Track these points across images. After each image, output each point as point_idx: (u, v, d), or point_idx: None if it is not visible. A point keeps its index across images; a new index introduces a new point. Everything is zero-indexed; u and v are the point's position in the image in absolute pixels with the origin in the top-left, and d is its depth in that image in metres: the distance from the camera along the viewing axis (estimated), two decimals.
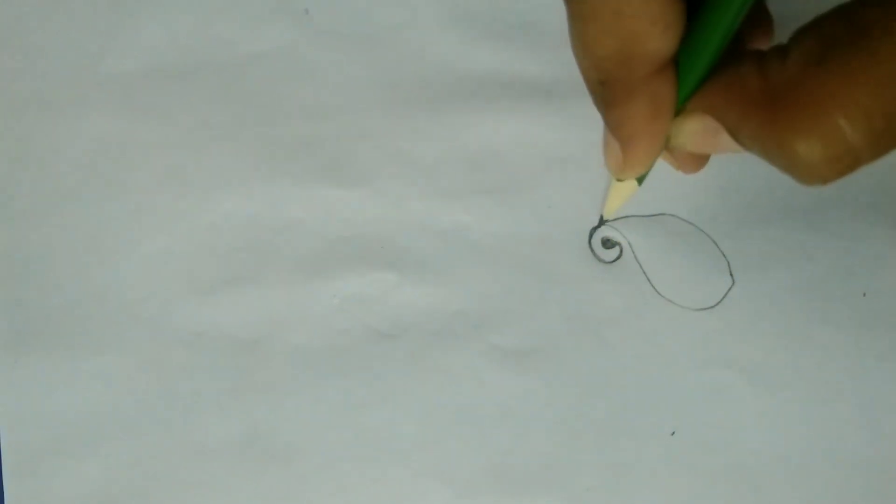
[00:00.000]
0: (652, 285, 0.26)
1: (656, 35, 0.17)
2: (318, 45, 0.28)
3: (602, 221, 0.26)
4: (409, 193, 0.27)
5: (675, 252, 0.26)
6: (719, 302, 0.26)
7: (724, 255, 0.26)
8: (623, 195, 0.24)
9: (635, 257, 0.26)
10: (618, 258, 0.27)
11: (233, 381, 0.27)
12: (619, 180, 0.23)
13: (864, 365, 0.26)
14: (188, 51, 0.28)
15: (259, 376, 0.27)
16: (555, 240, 0.27)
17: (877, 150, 0.16)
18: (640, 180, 0.23)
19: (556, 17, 0.27)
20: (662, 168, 0.26)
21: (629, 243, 0.27)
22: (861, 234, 0.26)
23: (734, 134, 0.18)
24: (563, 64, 0.27)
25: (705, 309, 0.26)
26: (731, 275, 0.26)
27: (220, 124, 0.28)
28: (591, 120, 0.27)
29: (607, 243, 0.27)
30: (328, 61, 0.28)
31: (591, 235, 0.27)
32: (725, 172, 0.26)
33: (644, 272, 0.26)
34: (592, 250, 0.27)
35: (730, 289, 0.26)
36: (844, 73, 0.16)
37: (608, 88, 0.19)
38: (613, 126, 0.20)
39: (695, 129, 0.20)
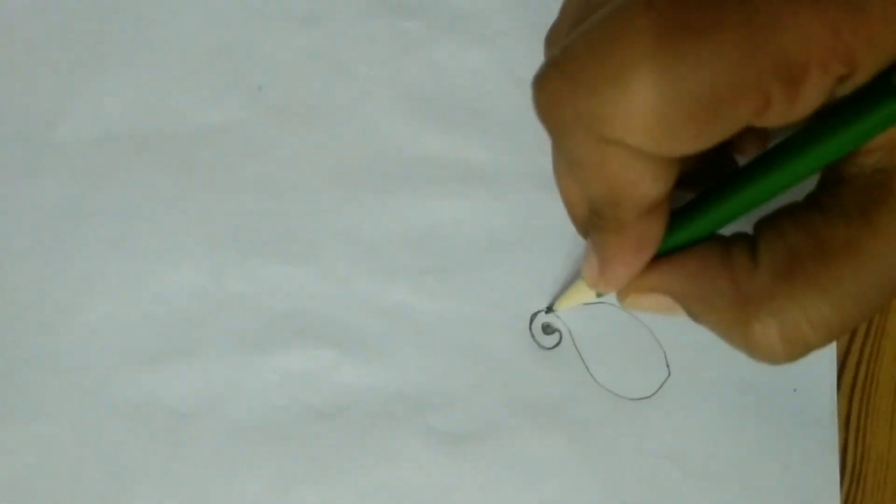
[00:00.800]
0: (590, 373, 0.27)
1: (645, 184, 0.18)
2: (269, 122, 0.28)
3: (549, 309, 0.27)
4: (353, 271, 0.27)
5: (614, 341, 0.27)
6: (655, 392, 0.26)
7: (660, 346, 0.26)
8: (581, 297, 0.24)
9: (574, 344, 0.27)
10: (557, 344, 0.27)
11: (170, 453, 0.26)
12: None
13: (793, 459, 0.26)
14: (142, 121, 0.28)
15: (196, 450, 0.26)
16: (496, 323, 0.27)
17: (829, 342, 0.19)
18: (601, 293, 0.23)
19: (504, 105, 0.28)
20: None
21: (569, 330, 0.27)
22: None
23: (693, 317, 0.20)
24: (508, 151, 0.28)
25: (642, 399, 0.26)
26: (668, 366, 0.26)
27: (170, 195, 0.28)
28: (533, 206, 0.27)
29: (547, 329, 0.27)
30: (279, 137, 0.28)
31: (531, 321, 0.27)
32: None
33: (583, 360, 0.27)
34: (533, 336, 0.27)
35: (665, 379, 0.26)
36: (811, 291, 0.18)
37: (597, 218, 0.19)
38: (597, 248, 0.20)
39: (651, 304, 0.21)
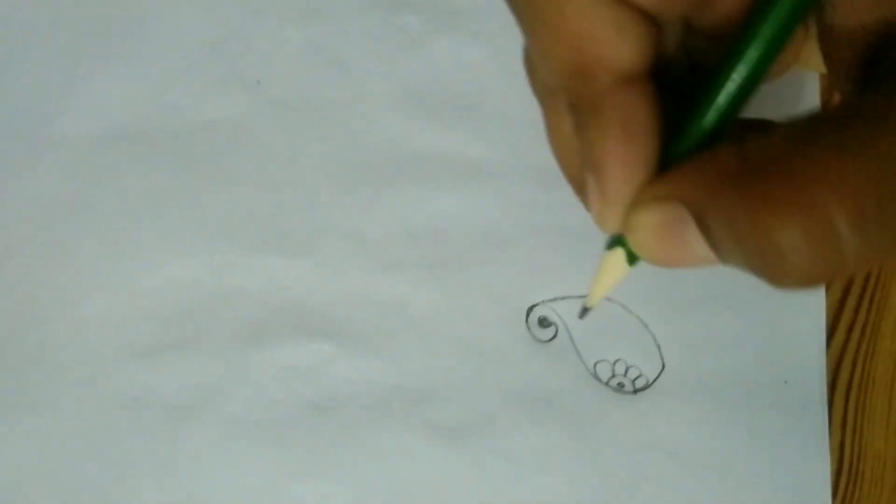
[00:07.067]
0: (585, 366, 0.27)
1: (611, 39, 0.16)
2: (268, 117, 0.28)
3: (585, 311, 0.24)
4: (350, 266, 0.27)
5: (609, 334, 0.27)
6: (650, 385, 0.27)
7: (654, 339, 0.27)
8: (610, 279, 0.20)
9: (570, 337, 0.27)
10: (553, 338, 0.27)
11: (167, 446, 0.27)
12: (607, 236, 0.19)
13: (785, 449, 0.26)
14: (141, 116, 0.28)
15: (193, 443, 0.27)
16: (493, 317, 0.27)
17: (862, 247, 0.14)
18: (632, 261, 0.19)
19: (500, 100, 0.28)
20: (598, 251, 0.27)
21: (564, 324, 0.27)
22: (784, 325, 0.27)
23: (701, 221, 0.16)
24: (505, 145, 0.28)
25: (636, 391, 0.27)
26: (662, 358, 0.27)
27: (167, 190, 0.28)
28: (530, 201, 0.28)
29: (543, 322, 0.27)
30: (277, 132, 0.28)
31: (528, 314, 0.27)
32: None
33: (578, 353, 0.27)
34: (529, 329, 0.27)
35: (660, 372, 0.27)
36: (837, 150, 0.14)
37: (574, 110, 0.17)
38: (584, 152, 0.17)
39: (653, 223, 0.16)
